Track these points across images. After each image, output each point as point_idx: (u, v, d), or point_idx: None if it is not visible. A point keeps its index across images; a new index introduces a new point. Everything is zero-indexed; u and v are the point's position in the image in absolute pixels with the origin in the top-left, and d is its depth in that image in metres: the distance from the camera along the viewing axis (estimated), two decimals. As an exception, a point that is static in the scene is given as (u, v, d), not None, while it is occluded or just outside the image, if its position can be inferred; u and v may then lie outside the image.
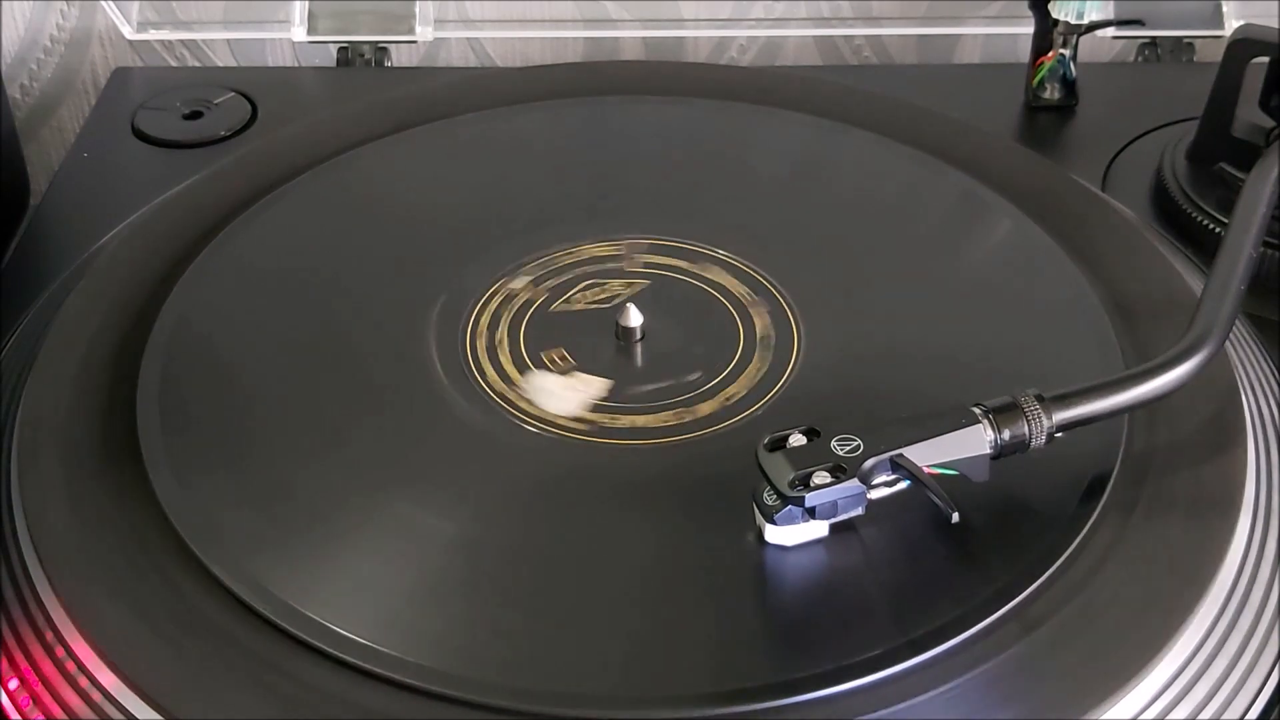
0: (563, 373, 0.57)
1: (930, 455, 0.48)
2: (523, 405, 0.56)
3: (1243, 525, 0.51)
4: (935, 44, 0.89)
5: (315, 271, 0.62)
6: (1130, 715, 0.46)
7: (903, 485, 0.49)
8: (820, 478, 0.47)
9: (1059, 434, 0.49)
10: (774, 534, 0.49)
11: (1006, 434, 0.49)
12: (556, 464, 0.53)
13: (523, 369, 0.57)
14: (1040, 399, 0.49)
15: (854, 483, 0.47)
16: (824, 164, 0.68)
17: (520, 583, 0.49)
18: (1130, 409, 0.51)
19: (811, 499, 0.47)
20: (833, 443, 0.48)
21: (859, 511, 0.48)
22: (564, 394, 0.56)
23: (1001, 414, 0.49)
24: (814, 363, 0.57)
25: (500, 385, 0.56)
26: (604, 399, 0.56)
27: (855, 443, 0.48)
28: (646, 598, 0.49)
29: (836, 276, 0.61)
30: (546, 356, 0.57)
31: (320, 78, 0.83)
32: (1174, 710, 0.47)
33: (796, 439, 0.49)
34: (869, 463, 0.48)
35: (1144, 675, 0.47)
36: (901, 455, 0.48)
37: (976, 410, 0.49)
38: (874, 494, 0.48)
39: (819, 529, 0.49)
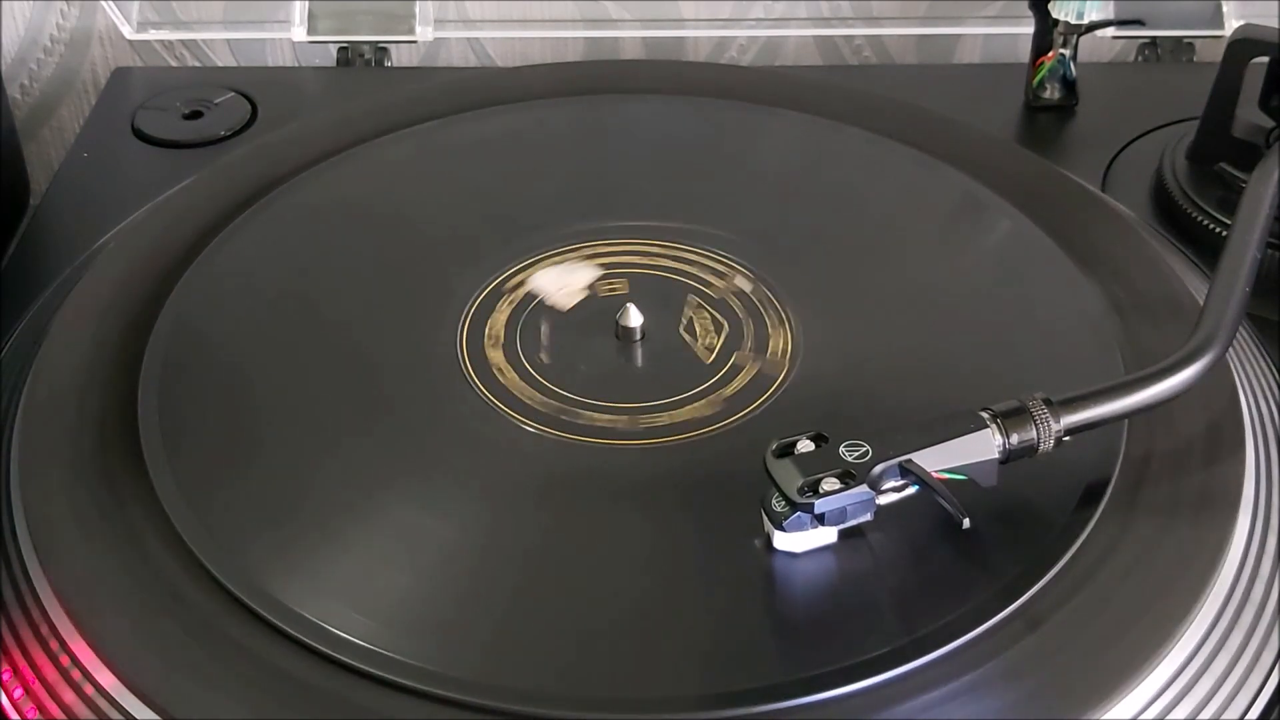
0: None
1: (939, 460, 0.48)
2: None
3: (1243, 525, 0.51)
4: (935, 44, 0.89)
5: (315, 271, 0.62)
6: (1130, 715, 0.46)
7: (911, 490, 0.49)
8: (829, 484, 0.47)
9: (1066, 438, 0.49)
10: (783, 540, 0.49)
11: (1015, 438, 0.49)
12: (557, 466, 0.53)
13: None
14: (1048, 403, 0.49)
15: (863, 488, 0.47)
16: (824, 164, 0.68)
17: (520, 584, 0.49)
18: (1137, 412, 0.51)
19: (820, 505, 0.47)
20: (841, 448, 0.48)
21: (868, 517, 0.48)
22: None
23: (1009, 418, 0.49)
24: (813, 364, 0.57)
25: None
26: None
27: (864, 448, 0.48)
28: (649, 600, 0.49)
29: (836, 277, 0.61)
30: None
31: (320, 78, 0.83)
32: (1174, 710, 0.47)
33: (805, 445, 0.48)
34: (878, 468, 0.48)
35: (1144, 675, 0.47)
36: (910, 461, 0.48)
37: (984, 415, 0.49)
38: (882, 499, 0.48)
39: (828, 535, 0.49)
